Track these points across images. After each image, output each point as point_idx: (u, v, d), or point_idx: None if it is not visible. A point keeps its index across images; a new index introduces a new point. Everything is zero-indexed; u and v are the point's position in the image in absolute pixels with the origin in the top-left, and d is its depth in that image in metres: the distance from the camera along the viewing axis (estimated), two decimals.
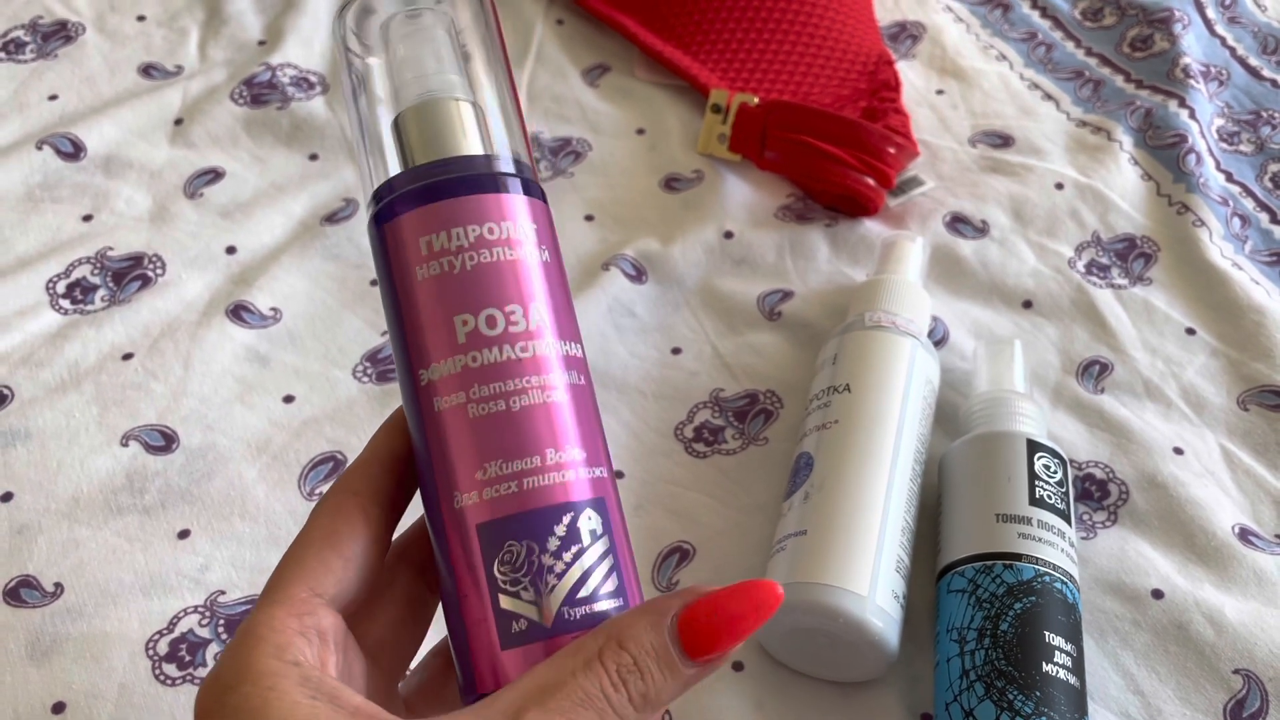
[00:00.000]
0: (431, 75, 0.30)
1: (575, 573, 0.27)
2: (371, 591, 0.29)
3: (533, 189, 0.30)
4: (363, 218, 0.56)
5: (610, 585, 0.27)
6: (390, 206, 0.29)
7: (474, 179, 0.29)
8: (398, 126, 0.30)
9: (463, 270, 0.28)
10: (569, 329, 0.29)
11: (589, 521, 0.27)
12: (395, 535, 0.31)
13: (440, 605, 0.29)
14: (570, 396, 0.28)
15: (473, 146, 0.30)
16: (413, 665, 0.32)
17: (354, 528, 0.28)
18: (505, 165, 0.30)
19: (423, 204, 0.28)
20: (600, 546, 0.27)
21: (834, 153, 0.55)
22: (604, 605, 0.27)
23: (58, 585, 0.43)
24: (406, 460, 0.30)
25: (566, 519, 0.27)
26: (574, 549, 0.27)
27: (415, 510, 0.30)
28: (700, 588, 0.26)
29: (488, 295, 0.28)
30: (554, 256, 0.30)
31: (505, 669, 0.27)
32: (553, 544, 0.27)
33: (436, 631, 0.31)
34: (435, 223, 0.28)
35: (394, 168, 0.30)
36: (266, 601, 0.27)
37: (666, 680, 0.25)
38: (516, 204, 0.29)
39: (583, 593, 0.27)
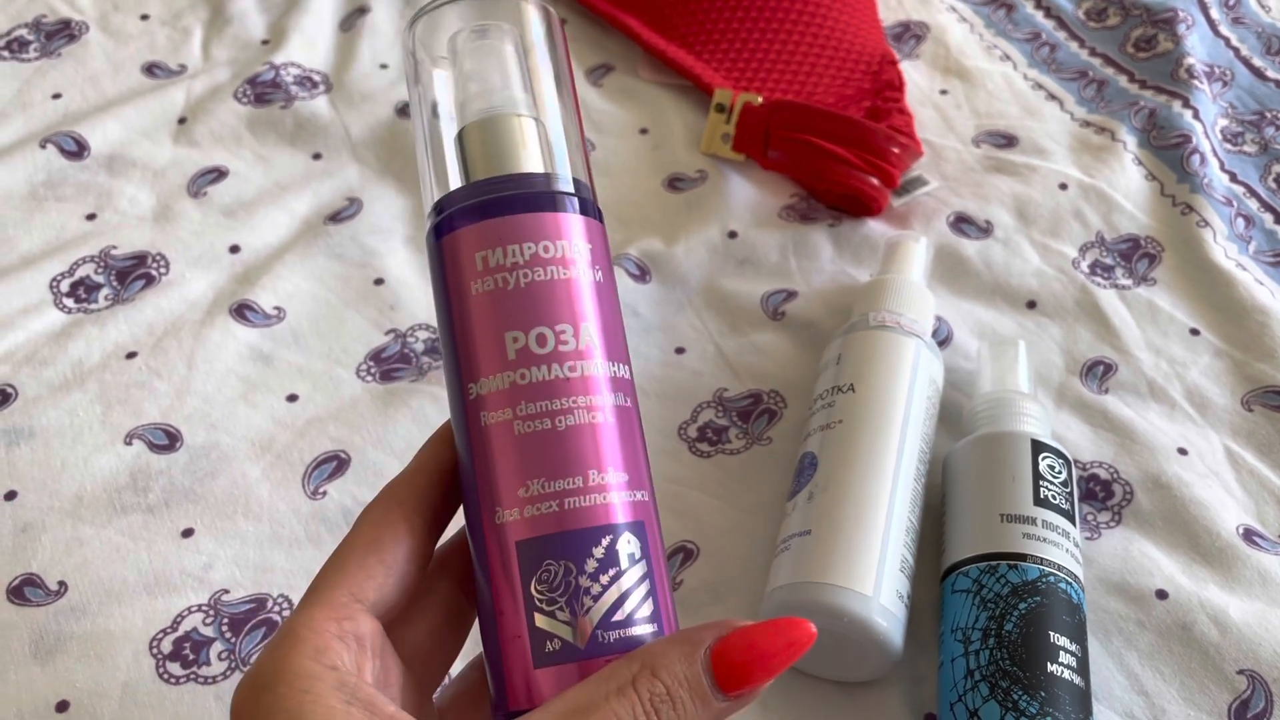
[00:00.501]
0: (496, 91, 0.31)
1: (612, 595, 0.27)
2: (411, 600, 0.29)
3: (590, 209, 0.30)
4: (366, 217, 0.57)
5: (646, 610, 0.27)
6: (449, 220, 0.29)
7: (531, 197, 0.29)
8: (461, 140, 0.31)
9: (516, 287, 0.28)
10: (618, 351, 0.29)
11: (628, 545, 0.28)
12: (438, 545, 0.31)
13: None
14: (616, 418, 0.28)
15: (532, 164, 0.30)
16: (450, 676, 0.32)
17: (397, 536, 0.28)
18: (564, 184, 0.30)
19: (480, 219, 0.29)
20: (638, 570, 0.28)
21: (838, 152, 0.55)
22: (639, 630, 0.27)
23: (61, 584, 0.43)
24: (453, 473, 0.30)
25: (605, 541, 0.27)
26: (611, 571, 0.27)
27: (459, 521, 0.31)
28: (734, 621, 0.26)
29: (539, 314, 0.28)
30: (607, 277, 0.30)
31: (538, 687, 0.27)
32: (590, 565, 0.27)
33: (474, 643, 0.31)
34: (491, 239, 0.28)
35: (455, 181, 0.31)
36: (307, 604, 0.27)
37: (698, 712, 0.25)
38: (572, 223, 0.29)
39: (618, 616, 0.27)
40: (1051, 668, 0.37)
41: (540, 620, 0.27)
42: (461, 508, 0.29)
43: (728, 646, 0.26)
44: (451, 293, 0.29)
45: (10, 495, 0.45)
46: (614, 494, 0.28)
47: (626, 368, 0.29)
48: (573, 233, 0.29)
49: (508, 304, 0.28)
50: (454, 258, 0.29)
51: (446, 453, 0.30)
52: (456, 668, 0.33)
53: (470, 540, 0.29)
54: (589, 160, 0.32)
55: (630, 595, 0.27)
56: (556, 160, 0.31)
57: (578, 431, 0.28)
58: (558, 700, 0.25)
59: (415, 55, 0.33)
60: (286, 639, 0.26)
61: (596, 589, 0.27)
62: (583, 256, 0.29)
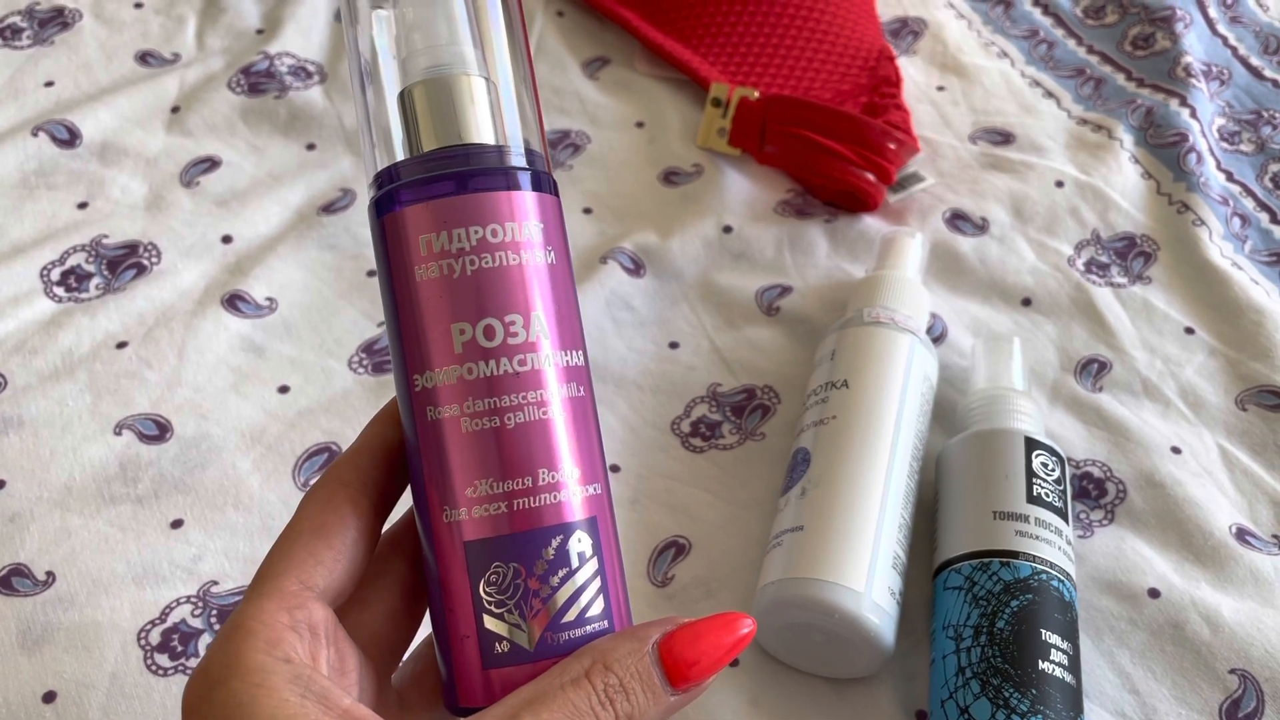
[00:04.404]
0: (443, 46, 0.28)
1: (562, 597, 0.27)
2: (362, 583, 0.29)
3: (544, 182, 0.28)
4: (360, 209, 0.56)
5: (597, 608, 0.27)
6: (392, 196, 0.28)
7: (481, 175, 0.27)
8: (404, 102, 0.29)
9: (462, 275, 0.27)
10: (571, 337, 0.28)
11: (579, 544, 0.27)
12: (389, 525, 0.30)
13: None
14: (568, 412, 0.27)
15: (483, 133, 0.28)
16: (407, 654, 0.32)
17: (344, 520, 0.28)
18: (516, 157, 0.28)
19: (425, 199, 0.27)
20: (590, 568, 0.27)
21: (834, 148, 0.55)
22: (589, 629, 0.27)
23: (49, 574, 0.43)
24: (400, 452, 0.29)
25: (556, 542, 0.27)
26: (562, 572, 0.27)
27: (408, 501, 0.30)
28: (677, 618, 0.27)
29: (487, 304, 0.27)
30: (561, 257, 0.28)
31: (488, 686, 0.27)
32: (540, 568, 0.27)
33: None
34: (436, 221, 0.27)
35: (399, 143, 0.29)
36: (255, 594, 0.26)
37: (650, 704, 0.26)
38: (525, 202, 0.28)
39: (568, 617, 0.27)
40: (1043, 665, 0.37)
41: (489, 622, 0.27)
42: (412, 499, 0.29)
43: (674, 641, 0.26)
44: (395, 276, 0.28)
45: None
46: (565, 492, 0.27)
47: (580, 354, 0.28)
48: (525, 212, 0.28)
49: (454, 293, 0.27)
50: (398, 238, 0.27)
51: (393, 432, 0.29)
52: (415, 645, 0.32)
53: (421, 534, 0.28)
54: (543, 124, 0.30)
55: (581, 594, 0.27)
56: (508, 127, 0.29)
57: (528, 429, 0.27)
58: (512, 695, 0.25)
59: None
60: (237, 632, 0.25)
61: (546, 591, 0.27)
62: (535, 238, 0.27)
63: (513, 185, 0.28)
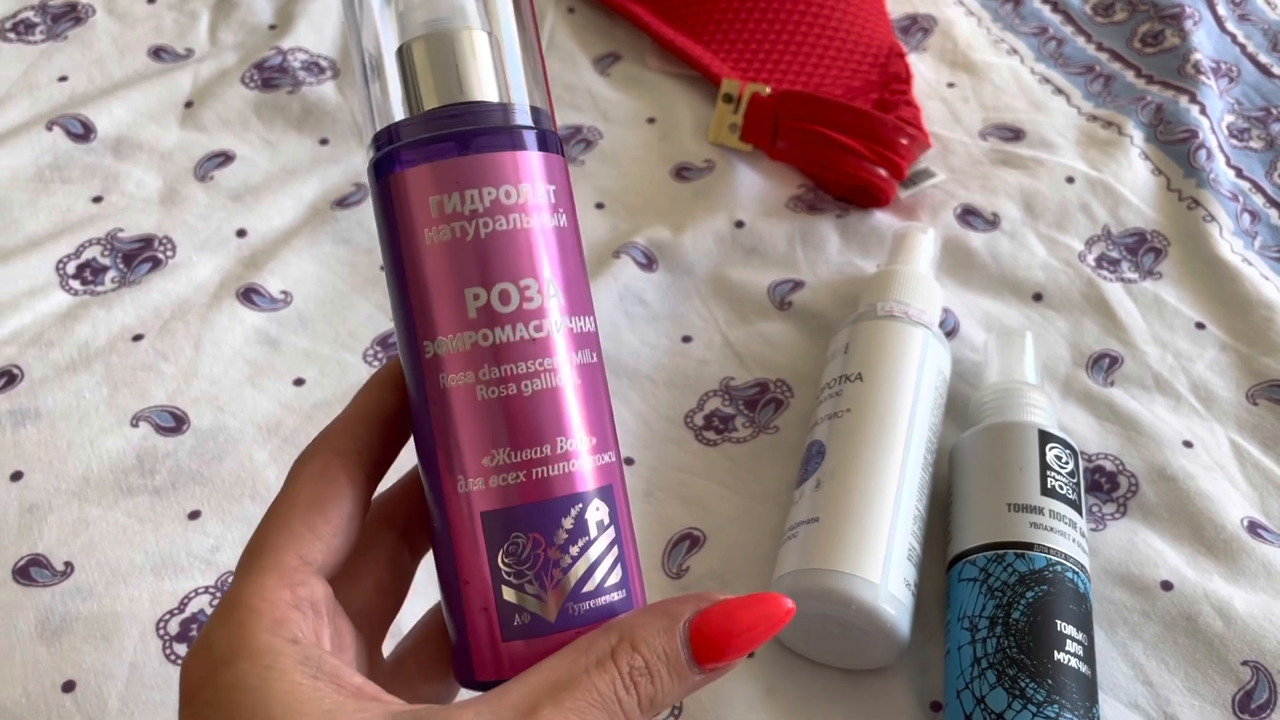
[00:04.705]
0: None
1: (581, 567, 0.26)
2: (352, 555, 0.28)
3: (550, 142, 0.27)
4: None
5: (615, 577, 0.27)
6: (395, 155, 0.27)
7: (490, 134, 0.26)
8: (403, 58, 0.27)
9: (475, 238, 0.26)
10: (582, 302, 0.27)
11: (596, 512, 0.27)
12: (377, 494, 0.29)
13: (433, 574, 0.28)
14: (581, 379, 0.27)
15: (488, 91, 0.27)
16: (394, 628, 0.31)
17: (340, 491, 0.27)
18: (522, 116, 0.27)
19: (433, 159, 0.26)
20: (607, 537, 0.27)
21: (846, 143, 0.55)
22: (609, 599, 0.27)
23: (68, 564, 0.43)
24: (395, 420, 0.28)
25: (574, 511, 0.26)
26: (581, 542, 0.26)
27: (396, 469, 0.30)
28: (712, 595, 0.26)
29: (502, 268, 0.26)
30: (570, 220, 0.27)
31: (507, 659, 0.26)
32: (560, 537, 0.26)
33: (424, 594, 0.31)
34: (447, 182, 0.26)
35: (397, 100, 0.28)
36: (254, 569, 0.25)
37: (674, 685, 0.25)
38: (534, 162, 0.27)
39: (588, 587, 0.26)
40: (1059, 656, 0.37)
41: (508, 593, 0.26)
42: (419, 469, 0.28)
43: (706, 620, 0.25)
44: (402, 239, 0.26)
45: (16, 476, 0.45)
46: (582, 460, 0.26)
47: (591, 319, 0.28)
48: (535, 173, 0.27)
49: (467, 256, 0.26)
50: (404, 200, 0.26)
51: (390, 398, 0.28)
52: (408, 619, 0.32)
53: (431, 504, 0.27)
54: (548, 79, 0.29)
55: (600, 564, 0.27)
56: (512, 84, 0.28)
57: (544, 397, 0.26)
58: (535, 672, 0.25)
59: None
60: (239, 610, 0.25)
61: (566, 561, 0.26)
62: (545, 201, 0.27)
63: (522, 145, 0.27)
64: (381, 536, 0.30)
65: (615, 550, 0.27)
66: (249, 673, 0.24)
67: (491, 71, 0.27)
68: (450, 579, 0.27)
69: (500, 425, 0.26)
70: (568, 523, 0.26)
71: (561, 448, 0.26)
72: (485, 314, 0.26)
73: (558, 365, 0.26)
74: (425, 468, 0.27)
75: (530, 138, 0.27)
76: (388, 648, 0.31)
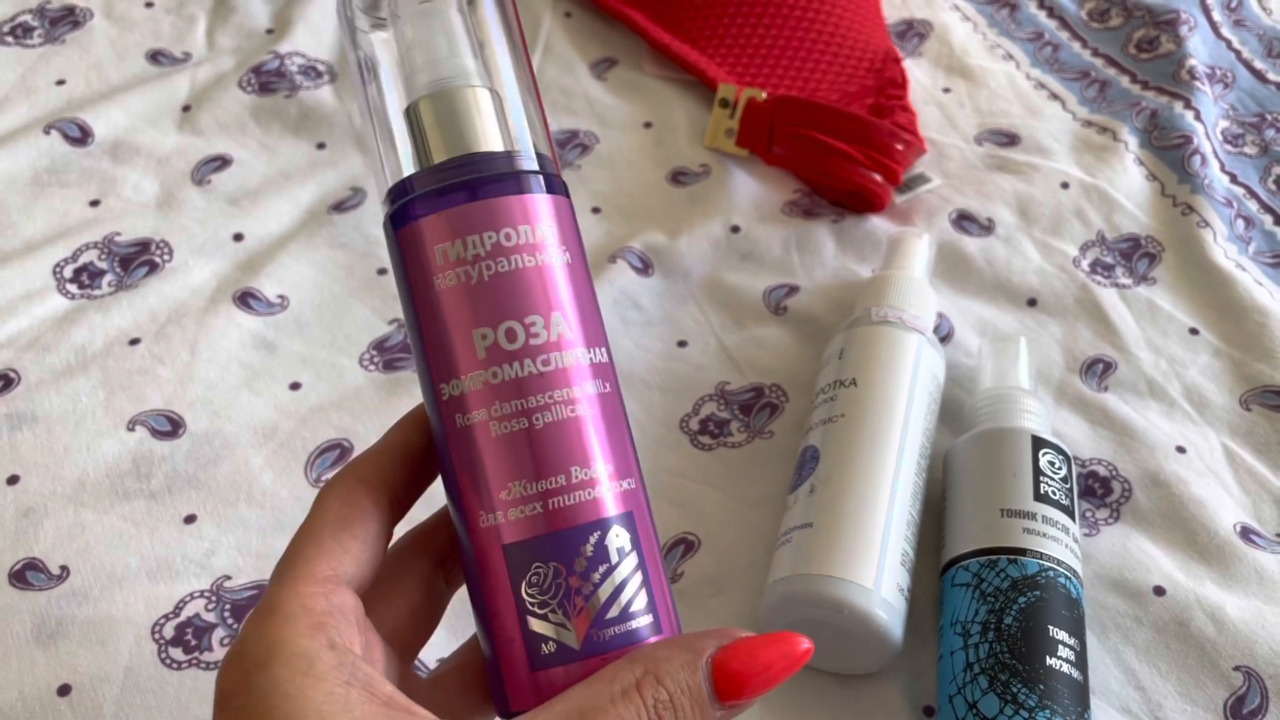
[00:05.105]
0: (444, 60, 0.29)
1: (605, 592, 0.27)
2: (387, 577, 0.29)
3: (555, 184, 0.29)
4: (370, 207, 0.57)
5: (641, 602, 0.27)
6: (406, 209, 0.28)
7: (493, 180, 0.28)
8: (410, 116, 0.29)
9: (480, 281, 0.27)
10: (594, 334, 0.28)
11: (617, 539, 0.27)
12: (416, 524, 0.31)
13: (464, 597, 0.29)
14: (596, 407, 0.28)
15: (491, 141, 0.29)
16: (446, 653, 0.32)
17: (365, 513, 0.28)
18: (526, 161, 0.29)
19: (438, 210, 0.28)
20: (630, 563, 0.27)
21: (842, 148, 0.56)
22: (635, 624, 0.27)
23: (64, 568, 0.43)
24: (421, 458, 0.29)
25: (594, 538, 0.27)
26: (602, 568, 0.27)
27: (431, 501, 0.31)
28: (735, 631, 0.27)
29: (506, 307, 0.27)
30: (577, 257, 0.29)
31: (537, 688, 0.27)
32: (580, 565, 0.27)
33: (450, 620, 0.32)
34: (451, 230, 0.27)
35: (406, 159, 0.29)
36: (288, 578, 0.26)
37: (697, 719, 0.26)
38: (538, 204, 0.28)
39: (613, 613, 0.27)
40: (1051, 661, 0.37)
41: (534, 623, 0.27)
42: (449, 507, 0.29)
43: (729, 656, 0.26)
44: (415, 288, 0.28)
45: (13, 480, 0.45)
46: (599, 488, 0.27)
47: (604, 350, 0.29)
48: (538, 215, 0.28)
49: (473, 299, 0.27)
50: (414, 250, 0.28)
51: (417, 437, 0.29)
52: (448, 642, 0.32)
53: (460, 540, 0.28)
54: (549, 129, 0.30)
55: (624, 589, 0.27)
56: (516, 133, 0.29)
57: (557, 428, 0.27)
58: (561, 700, 0.25)
59: (352, 21, 0.31)
60: (276, 614, 0.25)
61: (588, 588, 0.27)
62: (550, 239, 0.28)
63: (523, 189, 0.28)
64: (417, 562, 0.31)
65: (640, 575, 0.27)
66: (284, 678, 0.24)
67: (495, 124, 0.29)
68: (481, 611, 0.28)
69: (516, 458, 0.27)
70: (587, 550, 0.27)
71: (577, 477, 0.27)
72: (494, 352, 0.27)
73: (570, 396, 0.27)
74: (452, 505, 0.28)
75: (534, 181, 0.28)
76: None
